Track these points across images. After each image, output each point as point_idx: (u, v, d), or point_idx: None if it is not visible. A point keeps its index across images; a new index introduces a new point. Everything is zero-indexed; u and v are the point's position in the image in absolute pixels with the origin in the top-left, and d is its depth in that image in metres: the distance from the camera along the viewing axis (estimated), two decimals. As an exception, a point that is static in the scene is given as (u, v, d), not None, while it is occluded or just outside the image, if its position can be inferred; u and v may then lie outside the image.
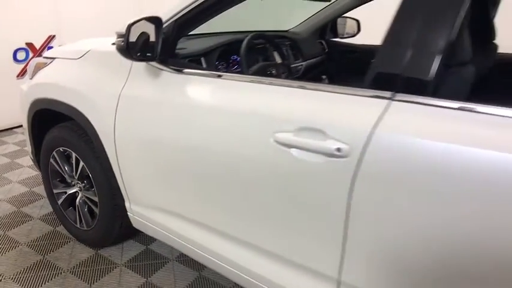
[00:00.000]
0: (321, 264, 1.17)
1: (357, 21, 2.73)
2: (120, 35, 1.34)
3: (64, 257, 2.05)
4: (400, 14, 1.01)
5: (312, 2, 2.51)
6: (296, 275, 1.25)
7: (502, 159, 0.81)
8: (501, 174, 0.81)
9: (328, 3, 2.48)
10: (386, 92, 1.00)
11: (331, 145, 1.03)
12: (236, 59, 1.98)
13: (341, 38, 2.74)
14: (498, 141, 0.84)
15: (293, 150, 1.11)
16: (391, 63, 1.01)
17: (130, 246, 2.16)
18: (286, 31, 2.71)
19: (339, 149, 1.02)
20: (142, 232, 1.84)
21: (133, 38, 1.40)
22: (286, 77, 1.95)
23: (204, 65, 1.79)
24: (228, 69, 1.94)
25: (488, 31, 1.77)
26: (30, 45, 3.70)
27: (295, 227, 1.19)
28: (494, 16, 2.00)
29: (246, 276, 1.37)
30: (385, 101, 1.00)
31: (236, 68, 1.97)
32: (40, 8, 3.68)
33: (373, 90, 1.02)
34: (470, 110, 0.90)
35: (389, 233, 1.00)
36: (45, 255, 2.05)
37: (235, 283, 1.86)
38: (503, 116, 0.86)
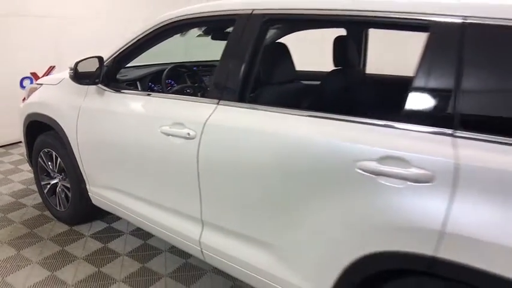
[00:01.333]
0: (191, 209, 1.83)
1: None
2: (71, 68, 2.08)
3: (46, 230, 2.74)
4: (222, 55, 1.72)
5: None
6: (183, 221, 1.92)
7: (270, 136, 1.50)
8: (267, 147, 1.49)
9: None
10: (215, 99, 1.70)
11: (185, 131, 1.72)
12: (171, 82, 2.71)
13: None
14: (270, 127, 1.51)
15: (170, 137, 1.80)
16: (217, 83, 1.72)
17: (97, 224, 2.84)
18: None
19: (188, 134, 1.71)
20: (107, 214, 2.51)
21: (86, 69, 2.14)
22: (202, 95, 2.67)
23: (139, 87, 2.52)
24: (163, 90, 2.66)
25: (351, 61, 2.46)
26: (34, 74, 4.54)
27: (178, 186, 1.86)
28: (363, 50, 2.70)
29: (153, 226, 2.05)
30: (214, 105, 1.69)
31: (170, 89, 2.70)
32: (43, 44, 4.53)
33: (209, 99, 1.73)
34: (257, 109, 1.59)
35: (225, 189, 1.67)
36: (32, 230, 2.75)
37: (171, 246, 2.53)
38: (277, 112, 1.54)
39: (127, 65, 2.39)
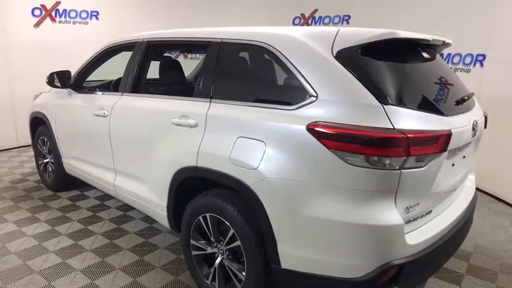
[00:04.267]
0: (108, 163, 2.88)
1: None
2: (47, 77, 3.25)
3: (38, 194, 3.88)
4: (127, 65, 2.81)
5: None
6: (105, 172, 2.97)
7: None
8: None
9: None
10: (120, 92, 2.78)
11: (102, 112, 2.80)
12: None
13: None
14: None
15: (97, 117, 2.89)
16: (122, 82, 2.80)
17: (73, 192, 3.94)
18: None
19: (104, 113, 2.79)
20: (83, 186, 3.61)
21: (61, 79, 3.31)
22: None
23: (98, 91, 3.66)
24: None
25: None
26: (51, 91, 5.88)
27: (101, 149, 2.92)
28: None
29: (91, 178, 3.13)
30: (119, 96, 2.77)
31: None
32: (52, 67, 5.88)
33: (118, 92, 2.81)
34: (141, 96, 2.65)
35: (122, 146, 2.72)
36: (29, 193, 3.90)
37: (116, 204, 3.56)
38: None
39: (99, 79, 3.57)
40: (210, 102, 2.14)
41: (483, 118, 2.25)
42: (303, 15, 6.36)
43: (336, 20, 5.99)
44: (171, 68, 2.96)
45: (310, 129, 1.68)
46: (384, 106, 1.61)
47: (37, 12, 5.52)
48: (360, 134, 1.58)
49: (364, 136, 1.57)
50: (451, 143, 1.73)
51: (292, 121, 1.76)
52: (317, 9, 6.25)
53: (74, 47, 5.93)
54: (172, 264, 2.65)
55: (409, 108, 1.68)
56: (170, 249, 2.85)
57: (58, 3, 5.66)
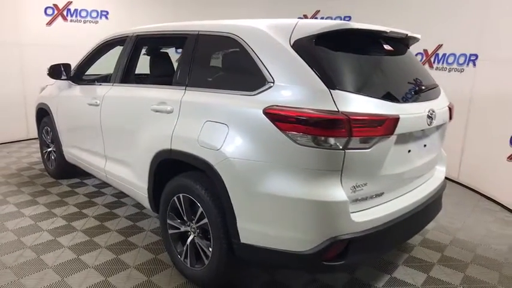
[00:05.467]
0: (100, 149, 3.08)
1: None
2: (48, 69, 3.48)
3: (40, 181, 4.12)
4: (118, 58, 3.01)
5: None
6: (97, 158, 3.17)
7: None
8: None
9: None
10: (111, 82, 2.98)
11: (95, 101, 3.00)
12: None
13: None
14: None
15: (90, 106, 3.09)
16: (113, 73, 2.99)
17: (73, 180, 4.16)
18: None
19: (96, 102, 2.99)
20: (83, 175, 3.83)
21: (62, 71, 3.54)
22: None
23: (96, 82, 3.87)
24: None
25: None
26: (61, 87, 6.18)
27: (93, 136, 3.12)
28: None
29: (85, 164, 3.33)
30: (110, 86, 2.97)
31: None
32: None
33: (109, 83, 3.00)
34: (129, 86, 2.84)
35: (111, 132, 2.91)
36: (32, 180, 4.15)
37: (110, 188, 3.76)
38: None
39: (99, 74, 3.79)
40: (185, 89, 2.30)
41: (446, 109, 2.33)
42: (305, 16, 6.49)
43: (337, 20, 6.08)
44: (159, 60, 3.15)
45: (266, 112, 1.82)
46: (331, 91, 1.73)
47: (49, 11, 5.83)
48: (306, 115, 1.70)
49: (310, 118, 1.70)
50: (400, 128, 1.83)
51: (251, 106, 1.90)
52: (319, 10, 6.38)
53: (84, 46, 6.21)
54: (155, 245, 2.81)
55: (358, 94, 1.79)
56: (155, 232, 3.01)
57: (70, 2, 5.96)
